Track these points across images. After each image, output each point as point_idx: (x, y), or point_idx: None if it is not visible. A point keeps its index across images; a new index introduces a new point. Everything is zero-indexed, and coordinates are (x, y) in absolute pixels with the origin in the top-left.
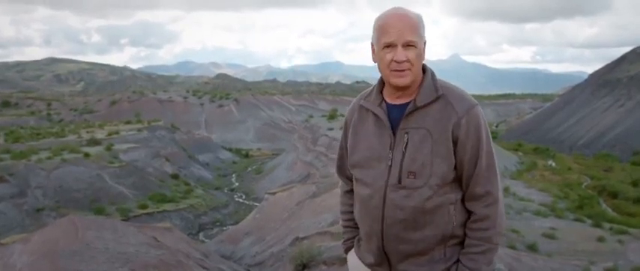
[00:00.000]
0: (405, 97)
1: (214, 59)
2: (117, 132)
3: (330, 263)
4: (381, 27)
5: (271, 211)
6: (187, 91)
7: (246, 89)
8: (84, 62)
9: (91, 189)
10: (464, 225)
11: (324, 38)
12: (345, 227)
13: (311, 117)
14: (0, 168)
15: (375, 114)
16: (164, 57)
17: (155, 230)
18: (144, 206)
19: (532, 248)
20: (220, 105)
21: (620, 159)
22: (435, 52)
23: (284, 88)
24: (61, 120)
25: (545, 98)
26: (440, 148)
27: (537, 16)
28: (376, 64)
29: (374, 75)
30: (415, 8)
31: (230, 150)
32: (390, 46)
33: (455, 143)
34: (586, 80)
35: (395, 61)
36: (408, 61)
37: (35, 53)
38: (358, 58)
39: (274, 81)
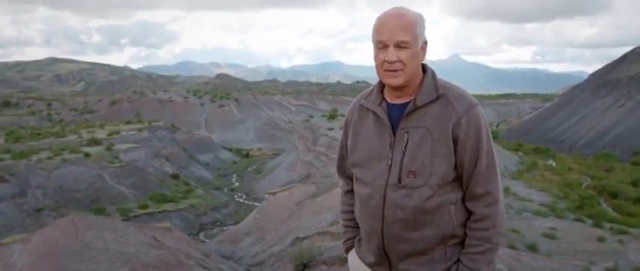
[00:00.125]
0: (405, 97)
1: (214, 59)
2: (117, 132)
3: (330, 263)
4: (377, 26)
5: (271, 211)
6: (188, 91)
7: (247, 89)
8: (84, 62)
9: (91, 189)
10: (464, 225)
11: (324, 38)
12: (345, 226)
13: (311, 117)
14: (0, 167)
15: (375, 114)
16: (164, 57)
17: (155, 230)
18: (144, 206)
19: (532, 248)
20: (221, 105)
21: (621, 159)
22: (435, 51)
23: (284, 88)
24: (61, 120)
25: (545, 98)
26: (440, 148)
27: (537, 16)
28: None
29: (374, 75)
30: (415, 8)
31: (230, 150)
32: (383, 45)
33: (455, 142)
34: (586, 80)
35: (387, 61)
36: (399, 61)
37: (35, 53)
38: (358, 58)
39: (274, 81)
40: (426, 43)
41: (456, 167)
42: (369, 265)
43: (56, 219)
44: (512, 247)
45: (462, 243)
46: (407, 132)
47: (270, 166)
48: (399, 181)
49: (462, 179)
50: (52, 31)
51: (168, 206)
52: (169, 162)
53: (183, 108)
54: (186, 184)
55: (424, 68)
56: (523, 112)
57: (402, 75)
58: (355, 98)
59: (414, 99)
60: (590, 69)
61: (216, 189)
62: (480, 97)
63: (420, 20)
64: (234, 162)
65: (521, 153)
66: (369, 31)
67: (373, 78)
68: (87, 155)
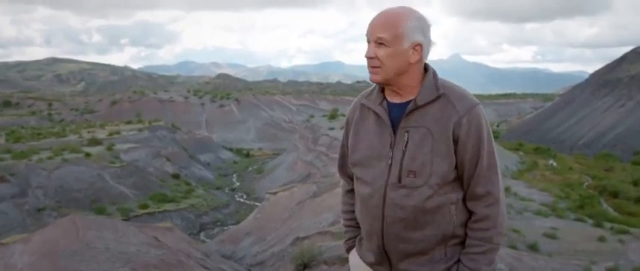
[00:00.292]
0: (406, 96)
1: (215, 59)
2: (118, 132)
3: (330, 263)
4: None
5: (272, 211)
6: (188, 91)
7: (247, 89)
8: (84, 62)
9: (91, 189)
10: (465, 225)
11: (324, 38)
12: (346, 226)
13: (312, 116)
14: (1, 167)
15: (375, 113)
16: (164, 57)
17: (156, 230)
18: (145, 206)
19: (533, 248)
20: (221, 105)
21: (621, 159)
22: (436, 51)
23: (285, 88)
24: (61, 120)
25: (545, 98)
26: (440, 147)
27: (538, 16)
28: None
29: None
30: (415, 8)
31: (231, 149)
32: (367, 41)
33: (456, 142)
34: (586, 80)
35: (366, 56)
36: (376, 58)
37: (36, 53)
38: (359, 58)
39: (275, 81)
40: (420, 44)
41: (456, 167)
42: (370, 264)
43: (57, 219)
44: (513, 247)
45: (462, 243)
46: (407, 132)
47: (270, 166)
48: (399, 181)
49: (462, 179)
50: (53, 31)
51: (168, 206)
52: (170, 162)
53: (183, 108)
54: (187, 184)
55: (426, 67)
56: (523, 112)
57: (381, 72)
58: (356, 98)
59: (415, 99)
60: (591, 69)
61: (217, 188)
62: (480, 97)
63: (411, 21)
64: (235, 162)
65: (521, 153)
66: None
67: None
68: (87, 155)
